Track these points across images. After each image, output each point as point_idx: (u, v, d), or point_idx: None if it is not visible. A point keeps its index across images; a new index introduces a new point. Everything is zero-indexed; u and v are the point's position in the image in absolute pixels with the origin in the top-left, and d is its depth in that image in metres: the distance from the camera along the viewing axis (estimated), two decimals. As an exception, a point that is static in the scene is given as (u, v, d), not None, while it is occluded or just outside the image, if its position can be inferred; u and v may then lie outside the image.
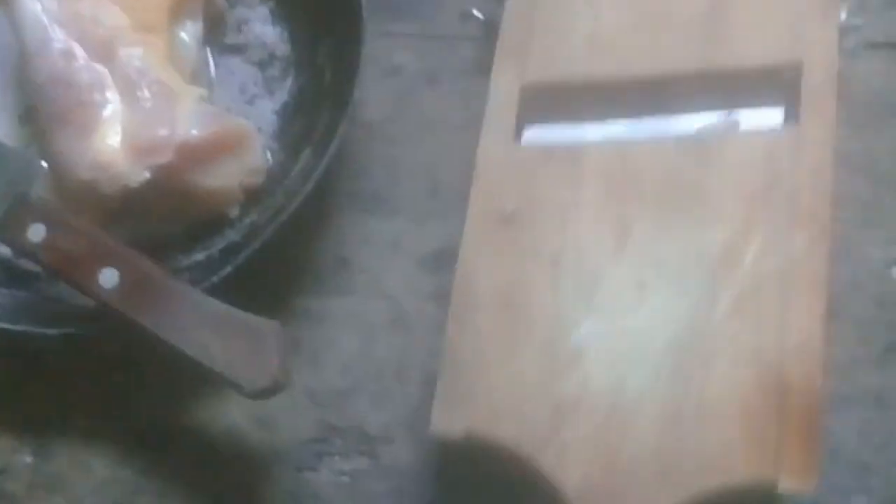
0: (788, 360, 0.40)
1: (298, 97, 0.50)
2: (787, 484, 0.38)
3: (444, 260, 0.45)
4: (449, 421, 0.41)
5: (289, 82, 0.51)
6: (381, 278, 0.47)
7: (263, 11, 0.53)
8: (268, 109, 0.51)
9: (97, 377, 0.46)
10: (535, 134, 0.47)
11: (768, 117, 0.46)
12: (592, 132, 0.47)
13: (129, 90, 0.44)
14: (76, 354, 0.46)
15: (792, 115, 0.45)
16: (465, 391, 0.41)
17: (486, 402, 0.41)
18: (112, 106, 0.44)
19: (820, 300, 0.41)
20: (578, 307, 0.42)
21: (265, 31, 0.53)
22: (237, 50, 0.52)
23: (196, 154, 0.45)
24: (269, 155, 0.49)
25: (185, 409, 0.46)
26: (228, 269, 0.43)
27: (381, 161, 0.50)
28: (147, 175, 0.43)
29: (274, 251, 0.44)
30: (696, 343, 0.41)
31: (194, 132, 0.44)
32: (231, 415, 0.45)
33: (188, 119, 0.44)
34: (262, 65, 0.52)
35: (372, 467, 0.44)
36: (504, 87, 0.46)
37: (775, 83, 0.46)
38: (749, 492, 0.39)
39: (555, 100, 0.47)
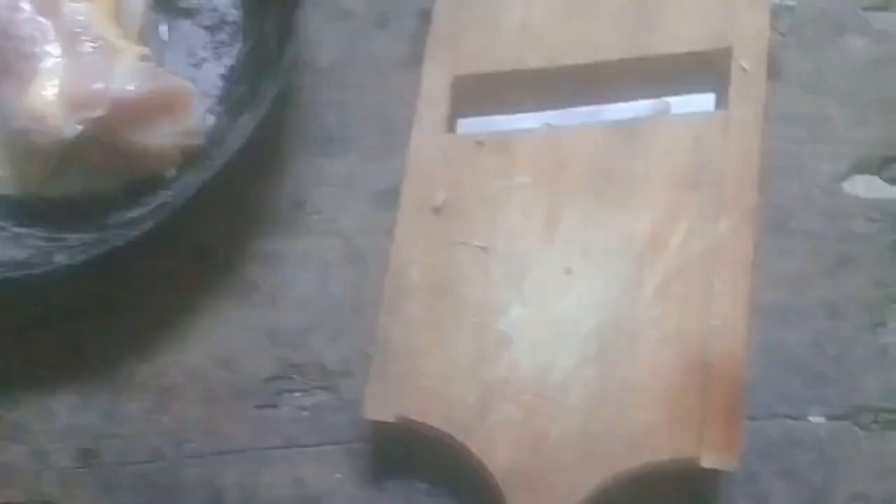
0: (712, 341, 0.41)
1: (244, 62, 0.51)
2: (709, 461, 0.39)
3: (396, 196, 0.46)
4: (381, 405, 0.42)
5: (236, 47, 0.52)
6: (335, 217, 0.49)
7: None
8: (214, 73, 0.51)
9: (57, 326, 0.48)
10: (468, 124, 0.48)
11: (698, 103, 0.47)
12: (524, 121, 0.47)
13: (70, 44, 0.45)
14: (36, 304, 0.48)
15: (723, 100, 0.46)
16: (398, 376, 0.42)
17: (417, 386, 0.42)
18: (52, 59, 0.45)
19: (744, 282, 0.42)
20: (508, 293, 0.43)
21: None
22: (188, 14, 0.53)
23: (131, 110, 0.45)
24: (212, 118, 0.50)
25: (146, 352, 0.47)
26: (150, 224, 0.43)
27: (333, 104, 0.51)
28: (80, 128, 0.44)
29: (208, 206, 0.46)
30: (622, 326, 0.42)
31: (130, 88, 0.45)
32: (191, 356, 0.47)
33: (126, 75, 0.45)
34: (212, 29, 0.52)
35: (332, 401, 0.45)
36: (436, 78, 0.47)
37: (705, 69, 0.46)
38: (674, 469, 0.40)
39: (487, 90, 0.47)
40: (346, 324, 0.47)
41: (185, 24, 0.53)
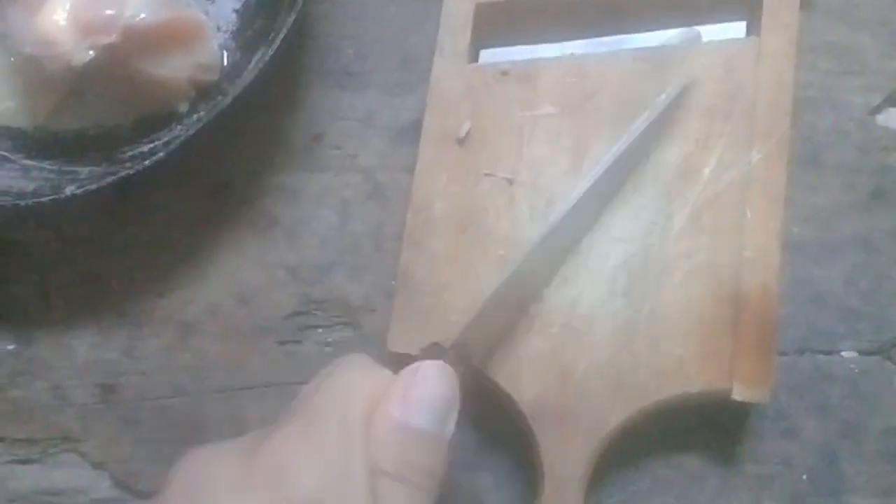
0: (744, 272, 0.40)
1: None
2: (740, 393, 0.39)
3: (416, 131, 0.45)
4: (405, 340, 0.41)
5: None
6: (354, 153, 0.48)
7: None
8: (228, 8, 0.50)
9: (76, 263, 0.47)
10: (490, 54, 0.46)
11: (730, 31, 0.45)
12: (549, 51, 0.46)
13: None
14: (53, 241, 0.47)
15: (754, 28, 0.44)
16: (421, 310, 0.41)
17: (442, 320, 0.41)
18: None
19: (777, 213, 0.41)
20: (534, 226, 0.42)
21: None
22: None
23: (143, 39, 0.44)
24: (225, 54, 0.49)
25: (165, 289, 0.46)
26: (161, 156, 0.42)
27: (350, 36, 0.49)
28: (91, 54, 0.43)
29: (225, 141, 0.45)
30: (652, 258, 0.41)
31: (143, 16, 0.44)
32: (212, 293, 0.46)
33: (139, 3, 0.44)
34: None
35: (355, 336, 0.45)
36: (457, 7, 0.45)
37: (737, -4, 0.45)
38: (703, 402, 0.39)
39: (510, 19, 0.46)
40: (368, 260, 0.46)
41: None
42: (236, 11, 0.50)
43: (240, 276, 0.46)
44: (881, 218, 0.44)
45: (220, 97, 0.46)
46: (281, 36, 0.43)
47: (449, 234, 0.42)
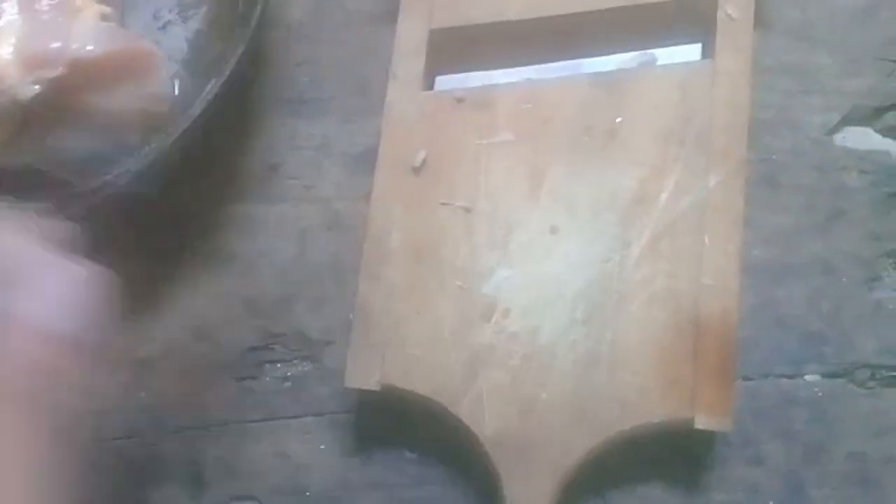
0: (703, 298, 0.40)
1: (212, 26, 0.49)
2: (703, 422, 0.38)
3: (374, 159, 0.44)
4: (364, 374, 0.41)
5: (203, 10, 0.49)
6: (312, 182, 0.47)
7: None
8: (181, 37, 0.49)
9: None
10: (448, 80, 0.46)
11: (686, 53, 0.45)
12: (505, 76, 0.45)
13: (27, 1, 0.43)
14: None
15: (710, 51, 0.44)
16: (380, 344, 0.41)
17: (401, 353, 0.41)
18: (8, 17, 0.43)
19: (735, 237, 0.40)
20: (492, 255, 0.41)
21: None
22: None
23: (91, 71, 0.43)
24: (176, 83, 0.48)
25: (119, 326, 0.45)
26: (109, 191, 0.41)
27: (305, 63, 0.49)
28: (37, 88, 0.42)
29: (179, 172, 0.44)
30: (611, 286, 0.40)
31: (90, 48, 0.43)
32: (167, 328, 0.45)
33: (86, 35, 0.43)
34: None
35: (314, 371, 0.44)
36: (410, 33, 0.45)
37: (691, 18, 0.45)
38: (667, 431, 0.39)
39: (465, 44, 0.45)
40: (327, 292, 0.45)
41: (151, -16, 0.51)
42: (187, 40, 0.50)
43: (196, 311, 0.45)
44: (841, 239, 0.44)
45: (171, 128, 0.46)
46: (231, 65, 0.43)
47: (406, 264, 0.42)
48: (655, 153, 0.42)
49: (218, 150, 0.47)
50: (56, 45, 0.43)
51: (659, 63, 0.45)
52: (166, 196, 0.46)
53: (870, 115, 0.46)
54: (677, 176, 0.41)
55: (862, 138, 0.46)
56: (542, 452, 0.39)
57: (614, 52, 0.46)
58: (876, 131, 0.46)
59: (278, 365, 0.44)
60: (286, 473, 0.43)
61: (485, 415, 0.39)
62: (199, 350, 0.45)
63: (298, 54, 0.49)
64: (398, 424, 0.42)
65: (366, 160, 0.46)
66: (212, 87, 0.44)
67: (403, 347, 0.41)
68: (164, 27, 0.50)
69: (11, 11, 0.43)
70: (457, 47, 0.45)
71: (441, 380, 0.40)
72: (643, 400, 0.39)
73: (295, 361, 0.44)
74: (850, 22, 0.47)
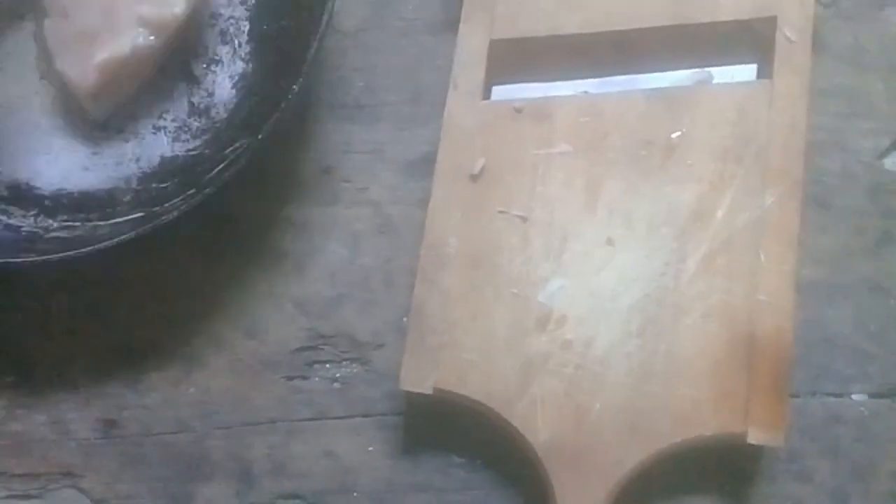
0: (758, 315, 0.40)
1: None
2: (755, 437, 0.39)
3: (427, 165, 0.45)
4: (418, 377, 0.41)
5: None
6: (365, 186, 0.47)
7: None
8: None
9: (76, 293, 0.46)
10: (504, 91, 0.46)
11: (741, 73, 0.46)
12: (562, 89, 0.46)
13: None
14: (54, 271, 0.46)
15: (765, 71, 0.45)
16: (434, 348, 0.41)
17: (455, 358, 0.41)
18: None
19: (790, 255, 0.41)
20: (548, 265, 0.42)
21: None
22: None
23: None
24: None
25: (169, 321, 0.45)
26: (185, 207, 0.42)
27: (361, 69, 0.49)
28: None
29: (255, 166, 0.44)
30: (665, 300, 0.41)
31: None
32: (218, 326, 0.45)
33: None
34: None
35: (364, 373, 0.44)
36: (471, 43, 0.45)
37: (748, 38, 0.45)
38: (717, 445, 0.39)
39: (523, 56, 0.46)
40: (377, 295, 0.46)
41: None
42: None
43: (247, 310, 0.46)
44: (889, 261, 0.44)
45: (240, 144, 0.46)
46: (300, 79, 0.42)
47: (462, 271, 0.42)
48: (713, 170, 0.42)
49: (273, 152, 0.48)
50: None
51: (715, 81, 0.45)
52: (220, 195, 0.47)
53: (919, 141, 0.46)
54: (734, 193, 0.42)
55: (911, 163, 0.46)
56: (594, 462, 0.39)
57: (670, 69, 0.46)
58: (924, 157, 0.47)
59: (327, 365, 0.45)
60: (333, 473, 0.43)
61: (538, 422, 0.40)
62: (248, 348, 0.45)
63: (355, 60, 0.49)
64: (447, 428, 0.43)
65: (419, 166, 0.47)
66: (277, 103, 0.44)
67: (458, 352, 0.41)
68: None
69: None
70: (515, 58, 0.46)
71: (495, 385, 0.40)
72: (696, 413, 0.39)
73: (344, 363, 0.45)
74: (901, 48, 0.48)
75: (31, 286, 0.46)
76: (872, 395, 0.43)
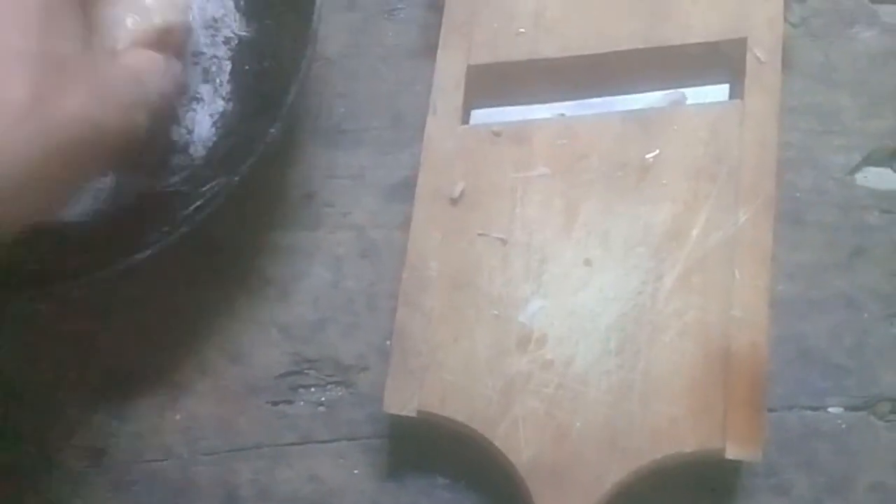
0: (734, 331, 0.41)
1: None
2: (733, 452, 0.39)
3: (408, 189, 0.45)
4: (401, 399, 0.41)
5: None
6: (348, 210, 0.48)
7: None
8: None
9: (62, 321, 0.46)
10: (483, 115, 0.47)
11: (714, 94, 0.47)
12: (539, 112, 0.47)
13: None
14: (40, 300, 0.47)
15: (737, 91, 0.46)
16: (417, 370, 0.42)
17: (438, 380, 0.41)
18: None
19: (764, 272, 0.42)
20: (527, 286, 0.43)
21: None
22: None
23: None
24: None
25: (154, 348, 0.46)
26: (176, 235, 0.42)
27: (343, 95, 0.50)
28: None
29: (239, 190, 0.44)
30: (643, 317, 0.41)
31: None
32: (202, 352, 0.46)
33: None
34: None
35: (348, 396, 0.45)
36: (450, 68, 0.46)
37: (720, 59, 0.46)
38: (695, 461, 0.40)
39: (501, 80, 0.47)
40: (361, 318, 0.46)
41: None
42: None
43: (231, 335, 0.46)
44: (863, 275, 0.45)
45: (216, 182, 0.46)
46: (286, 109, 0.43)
47: (443, 293, 0.43)
48: (687, 189, 0.43)
49: (256, 179, 0.48)
50: None
51: (689, 102, 0.46)
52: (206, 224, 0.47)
53: (890, 156, 0.47)
54: (708, 212, 0.43)
55: (882, 178, 0.47)
56: (575, 480, 0.40)
57: (645, 91, 0.47)
58: (895, 171, 0.48)
59: (312, 389, 0.45)
60: (319, 497, 0.43)
61: (520, 442, 0.40)
62: (233, 373, 0.46)
63: (337, 86, 0.50)
64: (431, 450, 0.43)
65: (400, 190, 0.48)
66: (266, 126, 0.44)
67: (440, 374, 0.42)
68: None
69: None
70: (493, 83, 0.47)
71: (477, 406, 0.41)
72: (674, 429, 0.40)
73: (329, 386, 0.45)
74: (870, 65, 0.49)
75: (15, 316, 0.47)
76: (849, 409, 0.43)
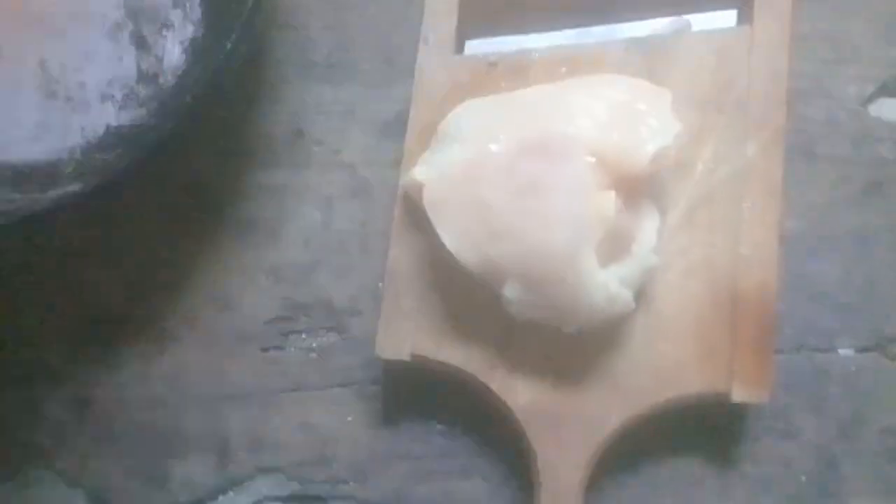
0: (741, 270, 0.39)
1: None
2: (739, 395, 0.38)
3: (401, 125, 0.43)
4: (395, 344, 0.40)
5: None
6: (337, 148, 0.46)
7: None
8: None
9: (45, 269, 0.45)
10: (478, 45, 0.45)
11: (721, 19, 0.44)
12: (537, 41, 0.44)
13: None
14: (24, 247, 0.45)
15: (745, 16, 0.43)
16: (410, 313, 0.40)
17: (432, 324, 0.40)
18: None
19: (774, 208, 0.40)
20: (525, 224, 0.41)
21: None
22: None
23: None
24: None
25: (139, 294, 0.44)
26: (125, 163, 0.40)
27: (331, 27, 0.48)
28: None
29: (199, 138, 0.43)
30: (647, 256, 0.40)
31: None
32: (189, 298, 0.44)
33: None
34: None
35: (341, 342, 0.43)
36: (442, -5, 0.44)
37: (728, -17, 0.44)
38: (701, 404, 0.38)
39: (497, 8, 0.44)
40: (353, 260, 0.44)
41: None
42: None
43: (219, 280, 0.45)
44: (876, 212, 0.43)
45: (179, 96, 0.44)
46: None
47: (437, 233, 0.41)
48: (692, 120, 0.41)
49: (241, 115, 0.46)
50: None
51: (694, 29, 0.44)
52: (186, 162, 0.45)
53: (906, 87, 0.45)
54: (714, 144, 0.41)
55: (897, 109, 0.45)
56: (575, 424, 0.38)
57: (647, 18, 0.45)
58: (911, 103, 0.45)
59: (303, 335, 0.44)
60: (312, 445, 0.42)
61: (517, 386, 0.39)
62: (221, 320, 0.44)
63: (324, 19, 0.48)
64: (426, 395, 0.42)
65: (392, 127, 0.45)
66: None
67: (434, 318, 0.40)
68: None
69: None
70: (487, 11, 0.44)
71: (473, 350, 0.39)
72: (679, 371, 0.38)
73: (321, 332, 0.44)
74: (885, -10, 0.46)
75: (1, 265, 0.45)
76: (859, 350, 0.42)
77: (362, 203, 0.45)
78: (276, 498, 0.42)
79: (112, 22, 0.47)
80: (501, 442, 0.41)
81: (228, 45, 0.41)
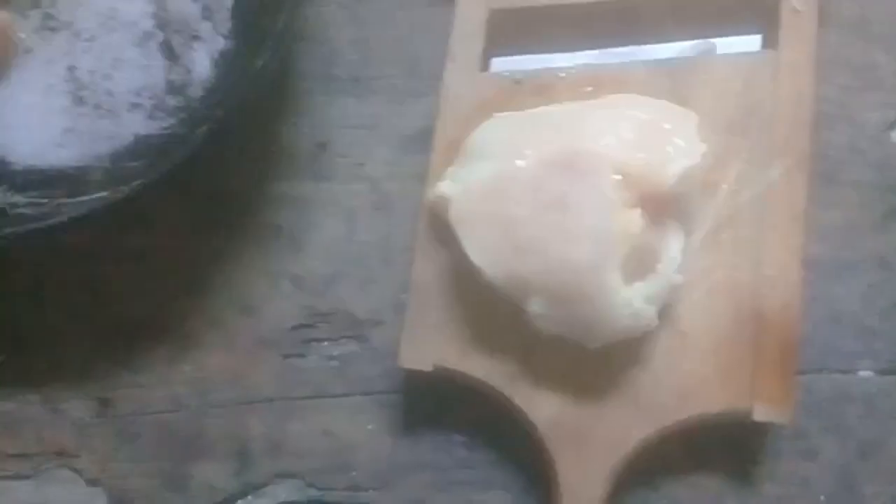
0: (765, 291, 0.39)
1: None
2: (761, 414, 0.38)
3: (424, 139, 0.44)
4: (418, 354, 0.40)
5: None
6: (361, 161, 0.46)
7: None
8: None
9: (71, 269, 0.45)
10: (503, 63, 0.45)
11: (746, 44, 0.45)
12: (562, 60, 0.45)
13: None
14: (47, 248, 0.45)
15: (770, 41, 0.44)
16: (435, 325, 0.40)
17: (456, 335, 0.40)
18: None
19: (797, 231, 0.40)
20: (550, 239, 0.41)
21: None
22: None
23: None
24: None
25: (163, 298, 0.45)
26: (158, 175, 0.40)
27: (355, 41, 0.48)
28: None
29: (227, 148, 0.43)
30: (671, 275, 0.40)
31: None
32: (213, 303, 0.44)
33: None
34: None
35: (362, 351, 0.44)
36: (470, 13, 0.44)
37: (753, 8, 0.44)
38: (722, 422, 0.39)
39: (523, 27, 0.45)
40: (375, 271, 0.45)
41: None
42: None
43: (242, 287, 0.45)
44: (896, 236, 0.44)
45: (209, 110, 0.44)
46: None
47: (462, 246, 0.41)
48: (717, 142, 0.41)
49: (267, 127, 0.47)
50: None
51: (718, 52, 0.44)
52: (213, 172, 0.46)
53: (926, 114, 0.46)
54: (739, 167, 0.41)
55: (918, 137, 0.46)
56: (597, 439, 0.38)
57: (673, 40, 0.45)
58: (931, 130, 0.46)
59: (325, 343, 0.44)
60: (332, 452, 0.42)
61: (541, 400, 0.39)
62: (244, 325, 0.44)
63: (349, 33, 0.48)
64: (447, 406, 0.42)
65: (416, 140, 0.46)
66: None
67: (458, 329, 0.40)
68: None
69: None
70: (515, 29, 0.45)
71: (496, 363, 0.40)
72: (702, 390, 0.38)
73: (342, 340, 0.44)
74: (907, 20, 0.47)
75: (24, 262, 0.45)
76: (880, 372, 0.42)
77: (385, 216, 0.45)
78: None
79: (142, 31, 0.47)
80: (522, 455, 0.41)
81: (260, 63, 0.41)
